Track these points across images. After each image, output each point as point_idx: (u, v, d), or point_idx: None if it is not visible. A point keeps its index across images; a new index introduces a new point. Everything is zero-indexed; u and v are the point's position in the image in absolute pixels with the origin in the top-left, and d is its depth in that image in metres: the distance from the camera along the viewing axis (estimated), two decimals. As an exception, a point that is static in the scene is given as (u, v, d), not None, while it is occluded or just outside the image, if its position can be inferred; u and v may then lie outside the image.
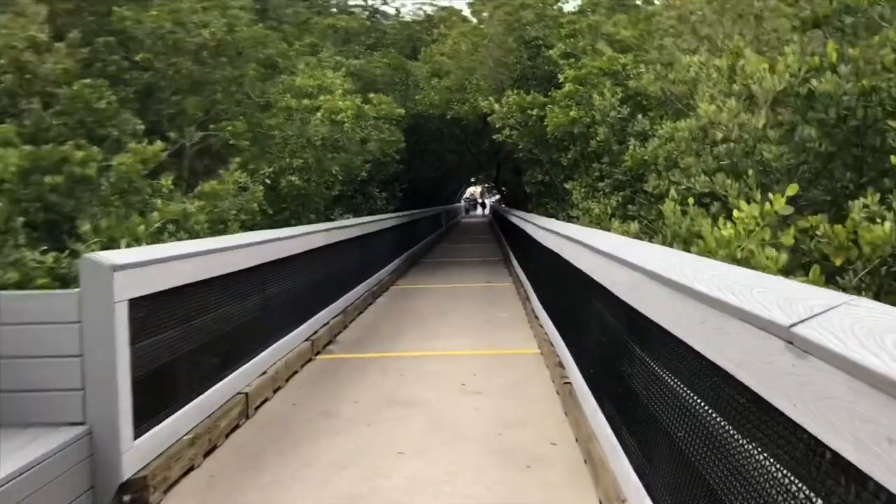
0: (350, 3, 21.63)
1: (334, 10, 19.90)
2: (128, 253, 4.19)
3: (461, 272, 15.59)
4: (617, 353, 3.55)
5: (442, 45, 14.29)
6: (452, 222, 41.64)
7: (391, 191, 17.66)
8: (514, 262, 14.13)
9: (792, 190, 3.15)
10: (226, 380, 5.23)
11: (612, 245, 3.78)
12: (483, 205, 65.45)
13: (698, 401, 2.28)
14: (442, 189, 35.38)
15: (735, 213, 3.18)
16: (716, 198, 5.52)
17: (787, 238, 3.05)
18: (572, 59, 9.84)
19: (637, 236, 5.17)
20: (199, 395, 4.73)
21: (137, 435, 3.82)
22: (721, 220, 3.27)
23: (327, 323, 8.35)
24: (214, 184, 7.28)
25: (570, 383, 5.29)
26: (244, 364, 5.67)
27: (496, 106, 9.98)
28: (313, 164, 8.88)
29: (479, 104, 10.47)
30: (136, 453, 3.78)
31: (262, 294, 6.37)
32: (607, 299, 3.72)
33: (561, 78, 9.30)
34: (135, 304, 3.87)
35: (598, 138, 8.02)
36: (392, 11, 22.38)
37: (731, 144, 4.75)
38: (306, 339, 7.42)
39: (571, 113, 8.42)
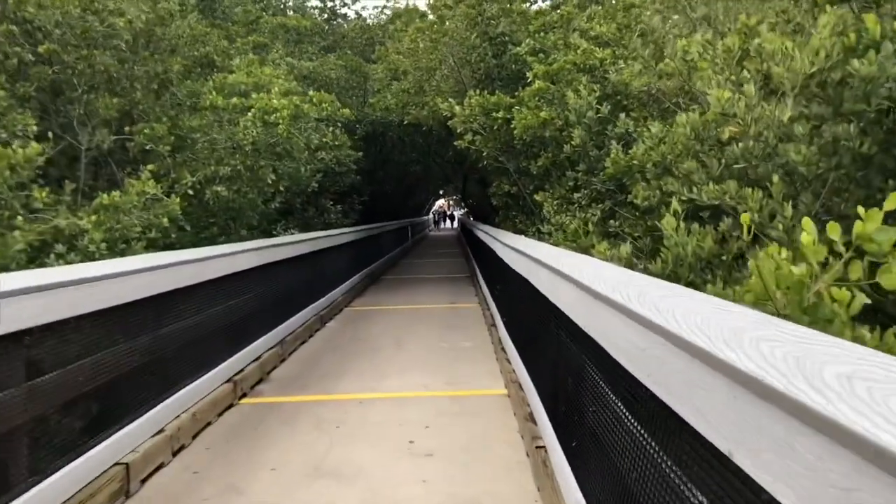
0: (308, 4, 20.45)
1: (290, 11, 18.68)
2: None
3: (424, 290, 14.44)
4: (618, 436, 2.43)
5: (398, 43, 13.14)
6: (419, 236, 40.51)
7: (350, 203, 16.48)
8: (481, 281, 13.03)
9: (892, 203, 2.06)
10: (95, 450, 4.00)
11: (605, 280, 2.66)
12: (452, 217, 64.67)
13: None
14: (408, 201, 34.27)
15: (804, 237, 2.09)
16: (721, 212, 4.45)
17: (890, 277, 1.95)
18: (542, 55, 8.78)
19: (630, 262, 4.10)
20: (43, 479, 3.50)
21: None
22: (779, 251, 2.17)
23: (259, 357, 7.13)
24: (116, 195, 6.04)
25: (543, 447, 4.16)
26: (128, 424, 4.44)
27: (457, 108, 8.85)
28: (245, 173, 7.65)
29: (439, 106, 9.36)
30: None
31: (162, 331, 5.15)
32: (599, 359, 2.60)
33: (529, 76, 8.23)
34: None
35: (572, 142, 6.94)
36: (352, 15, 21.19)
37: (750, 143, 3.69)
38: (227, 381, 6.19)
39: (542, 114, 7.33)
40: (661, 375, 1.80)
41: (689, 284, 3.76)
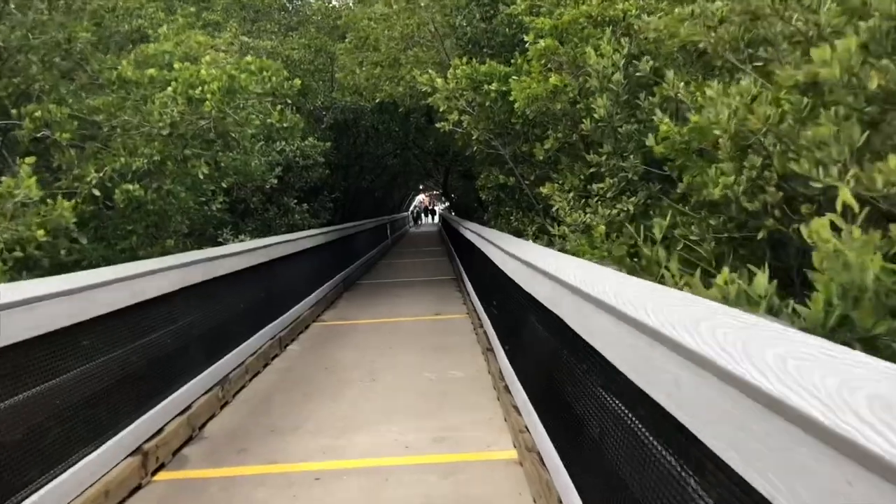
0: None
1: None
2: None
3: (405, 298, 12.75)
4: None
5: (369, 7, 11.40)
6: (399, 233, 38.82)
7: (320, 201, 14.76)
8: (469, 287, 11.36)
9: None
10: None
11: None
12: (434, 212, 63.21)
13: None
14: (388, 198, 32.63)
15: None
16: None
17: None
18: (543, 10, 7.10)
19: (770, 306, 2.45)
20: None
21: None
22: None
23: (187, 408, 5.42)
24: (-34, 198, 4.31)
25: None
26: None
27: (438, 81, 7.16)
28: (171, 166, 5.92)
29: (417, 79, 7.64)
30: None
31: (19, 399, 3.45)
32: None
33: (528, 39, 6.55)
34: None
35: (594, 115, 5.29)
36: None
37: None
38: (134, 452, 4.48)
39: (552, 79, 5.66)
40: None
41: (868, 342, 2.12)
